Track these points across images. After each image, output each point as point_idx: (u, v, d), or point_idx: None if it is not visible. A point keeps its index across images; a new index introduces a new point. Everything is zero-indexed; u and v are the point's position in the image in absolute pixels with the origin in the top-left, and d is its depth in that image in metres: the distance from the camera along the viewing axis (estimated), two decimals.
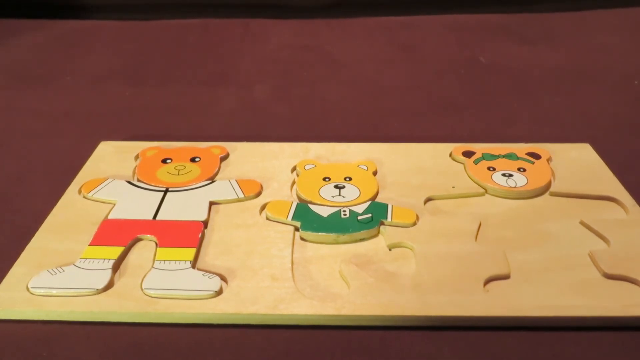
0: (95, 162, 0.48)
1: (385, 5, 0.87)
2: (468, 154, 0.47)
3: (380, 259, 0.38)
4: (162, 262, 0.36)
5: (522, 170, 0.45)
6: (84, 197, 0.43)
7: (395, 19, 0.85)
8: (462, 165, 0.47)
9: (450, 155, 0.48)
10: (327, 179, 0.45)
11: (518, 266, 0.36)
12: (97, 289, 0.34)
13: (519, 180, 0.44)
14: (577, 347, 0.32)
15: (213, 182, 0.45)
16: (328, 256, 0.38)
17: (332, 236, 0.39)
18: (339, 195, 0.43)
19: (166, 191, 0.44)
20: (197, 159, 0.47)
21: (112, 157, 0.49)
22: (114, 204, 0.42)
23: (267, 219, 0.41)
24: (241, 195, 0.43)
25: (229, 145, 0.50)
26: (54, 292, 0.34)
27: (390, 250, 0.38)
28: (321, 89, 0.65)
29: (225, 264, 0.37)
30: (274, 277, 0.36)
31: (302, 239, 0.40)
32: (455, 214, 0.42)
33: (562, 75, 0.67)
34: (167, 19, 0.86)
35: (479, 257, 0.37)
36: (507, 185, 0.43)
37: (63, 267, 0.36)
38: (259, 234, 0.40)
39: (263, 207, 0.42)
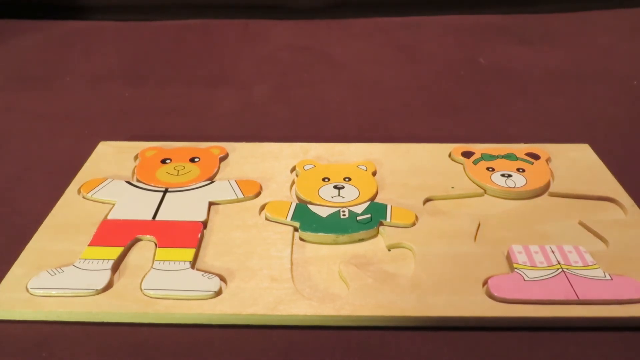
0: (94, 163, 0.48)
1: (384, 6, 0.87)
2: (467, 155, 0.47)
3: (379, 259, 0.38)
4: (162, 262, 0.36)
5: (521, 170, 0.45)
6: (84, 197, 0.43)
7: (394, 19, 0.85)
8: (461, 166, 0.47)
9: (450, 155, 0.48)
10: (326, 180, 0.45)
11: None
12: (97, 290, 0.34)
13: (518, 180, 0.44)
14: (576, 347, 0.32)
15: (212, 182, 0.45)
16: (327, 257, 0.38)
17: (331, 236, 0.39)
18: (338, 195, 0.43)
19: (165, 191, 0.44)
20: (196, 159, 0.48)
21: (111, 158, 0.49)
22: (114, 204, 0.42)
23: (267, 219, 0.41)
24: (240, 196, 0.43)
25: (228, 146, 0.50)
26: (53, 292, 0.34)
27: (389, 250, 0.38)
28: (320, 90, 0.65)
29: (225, 265, 0.37)
30: (273, 278, 0.36)
31: (301, 239, 0.40)
32: (455, 214, 0.42)
33: (561, 76, 0.67)
34: (166, 20, 0.86)
35: (478, 257, 0.37)
36: (506, 186, 0.43)
37: (62, 268, 0.36)
38: (258, 234, 0.40)
39: (262, 208, 0.42)
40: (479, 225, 0.40)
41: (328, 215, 0.41)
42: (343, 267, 0.36)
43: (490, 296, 0.34)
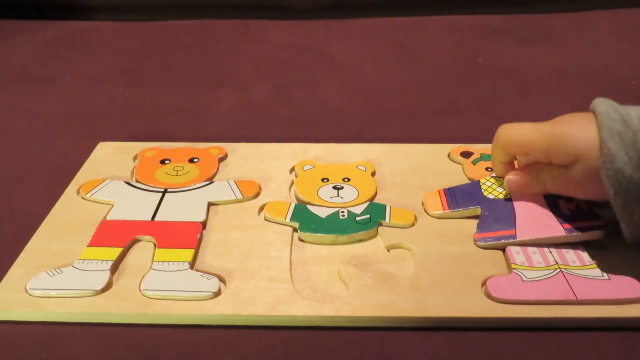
0: (93, 163, 0.48)
1: (384, 6, 0.87)
2: (466, 155, 0.47)
3: (378, 260, 0.38)
4: (161, 263, 0.37)
5: None
6: (83, 197, 0.43)
7: (394, 19, 0.85)
8: (460, 166, 0.47)
9: (449, 155, 0.48)
10: (325, 180, 0.45)
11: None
12: (96, 290, 0.34)
13: None
14: (576, 347, 0.32)
15: (211, 182, 0.45)
16: (326, 257, 0.38)
17: (330, 237, 0.39)
18: (338, 196, 0.43)
19: (165, 192, 0.44)
20: (195, 160, 0.48)
21: (110, 158, 0.49)
22: (113, 205, 0.42)
23: (266, 219, 0.41)
24: (240, 196, 0.43)
25: (227, 146, 0.50)
26: (53, 293, 0.34)
27: (388, 251, 0.39)
28: (320, 90, 0.65)
29: (224, 265, 0.37)
30: (272, 278, 0.36)
31: (300, 239, 0.40)
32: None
33: (560, 75, 0.67)
34: (166, 20, 0.86)
35: (477, 258, 0.37)
36: None
37: (61, 268, 0.36)
38: (257, 235, 0.40)
39: (261, 208, 0.42)
40: None
41: (327, 215, 0.41)
42: (342, 268, 0.36)
43: (489, 297, 0.34)
